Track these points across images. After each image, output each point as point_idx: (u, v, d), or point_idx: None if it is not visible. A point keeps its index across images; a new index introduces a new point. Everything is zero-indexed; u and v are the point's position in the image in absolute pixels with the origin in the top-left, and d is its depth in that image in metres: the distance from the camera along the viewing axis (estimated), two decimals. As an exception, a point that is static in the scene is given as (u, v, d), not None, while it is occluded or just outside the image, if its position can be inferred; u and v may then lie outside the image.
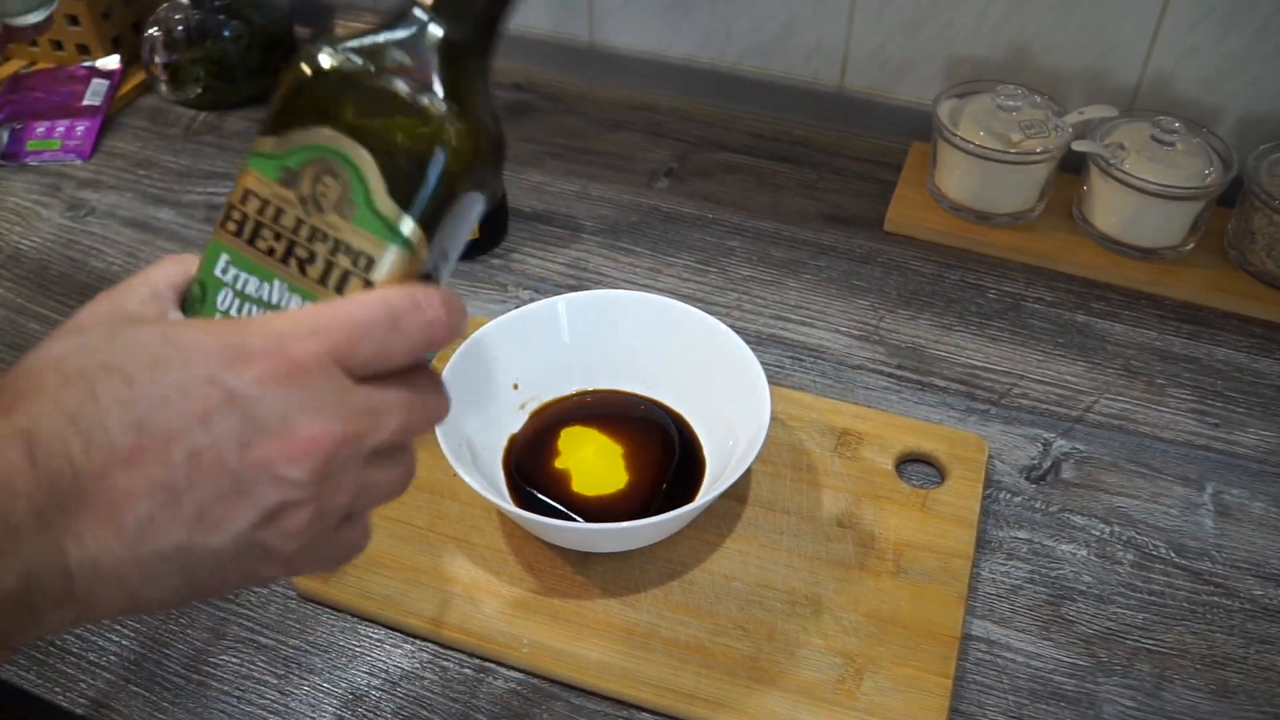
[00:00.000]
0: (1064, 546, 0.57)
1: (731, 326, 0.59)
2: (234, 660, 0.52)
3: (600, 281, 0.75)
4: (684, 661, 0.50)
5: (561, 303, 0.61)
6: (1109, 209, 0.75)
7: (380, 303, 0.33)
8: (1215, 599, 0.55)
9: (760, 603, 0.53)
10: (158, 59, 0.91)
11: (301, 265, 0.35)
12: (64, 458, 0.28)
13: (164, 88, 0.93)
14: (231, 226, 0.36)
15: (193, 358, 0.30)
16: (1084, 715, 0.50)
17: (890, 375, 0.67)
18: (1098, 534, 0.58)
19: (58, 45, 0.96)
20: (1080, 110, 0.77)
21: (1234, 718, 0.50)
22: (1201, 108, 0.80)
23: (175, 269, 0.36)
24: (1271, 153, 0.74)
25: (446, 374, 0.56)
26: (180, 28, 0.90)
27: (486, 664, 0.52)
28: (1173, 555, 0.57)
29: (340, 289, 0.35)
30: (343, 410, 0.32)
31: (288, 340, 0.31)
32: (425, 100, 0.35)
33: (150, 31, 0.91)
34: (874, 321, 0.72)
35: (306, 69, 0.35)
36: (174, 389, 0.30)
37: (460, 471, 0.51)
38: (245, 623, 0.53)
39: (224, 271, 0.36)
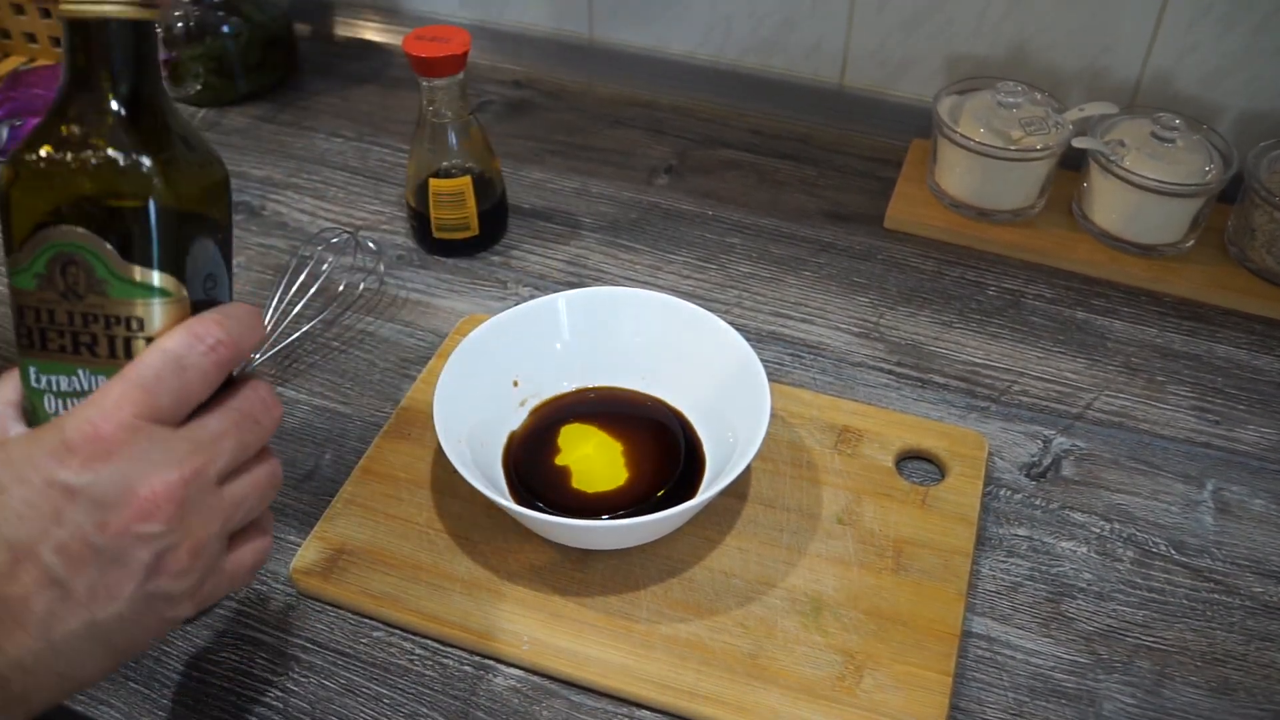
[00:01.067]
0: (1064, 544, 0.57)
1: (731, 323, 0.59)
2: (234, 657, 0.52)
3: (600, 278, 0.75)
4: (684, 659, 0.50)
5: (561, 300, 0.61)
6: (1109, 206, 0.75)
7: (158, 352, 0.36)
8: (1215, 596, 0.55)
9: (760, 600, 0.53)
10: (157, 56, 0.91)
11: (91, 349, 0.38)
12: None
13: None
14: (25, 342, 0.38)
15: (25, 471, 0.34)
16: (1084, 712, 0.50)
17: (890, 372, 0.67)
18: (1098, 531, 0.58)
19: (58, 42, 0.96)
20: (1080, 107, 0.77)
21: (1234, 715, 0.50)
22: (1201, 104, 0.80)
23: (8, 387, 0.40)
24: (1271, 149, 0.74)
25: (446, 372, 0.56)
26: (180, 24, 0.90)
27: (486, 661, 0.52)
28: (1173, 552, 0.57)
29: (129, 354, 0.37)
30: (172, 457, 0.35)
31: (96, 421, 0.34)
32: (112, 162, 0.37)
33: (149, 28, 0.90)
34: (874, 318, 0.72)
35: (2, 183, 0.37)
36: (21, 503, 0.34)
37: (460, 469, 0.51)
38: (245, 620, 0.53)
39: (37, 381, 0.39)
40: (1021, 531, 0.58)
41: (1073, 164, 0.78)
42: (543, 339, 0.61)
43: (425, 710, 0.50)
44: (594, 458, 0.58)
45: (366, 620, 0.53)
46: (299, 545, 0.55)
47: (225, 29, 0.90)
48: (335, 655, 0.52)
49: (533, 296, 0.66)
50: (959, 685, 0.51)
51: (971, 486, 0.58)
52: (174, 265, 0.38)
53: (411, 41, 0.68)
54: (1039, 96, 0.78)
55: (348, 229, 0.78)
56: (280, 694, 0.50)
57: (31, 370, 0.39)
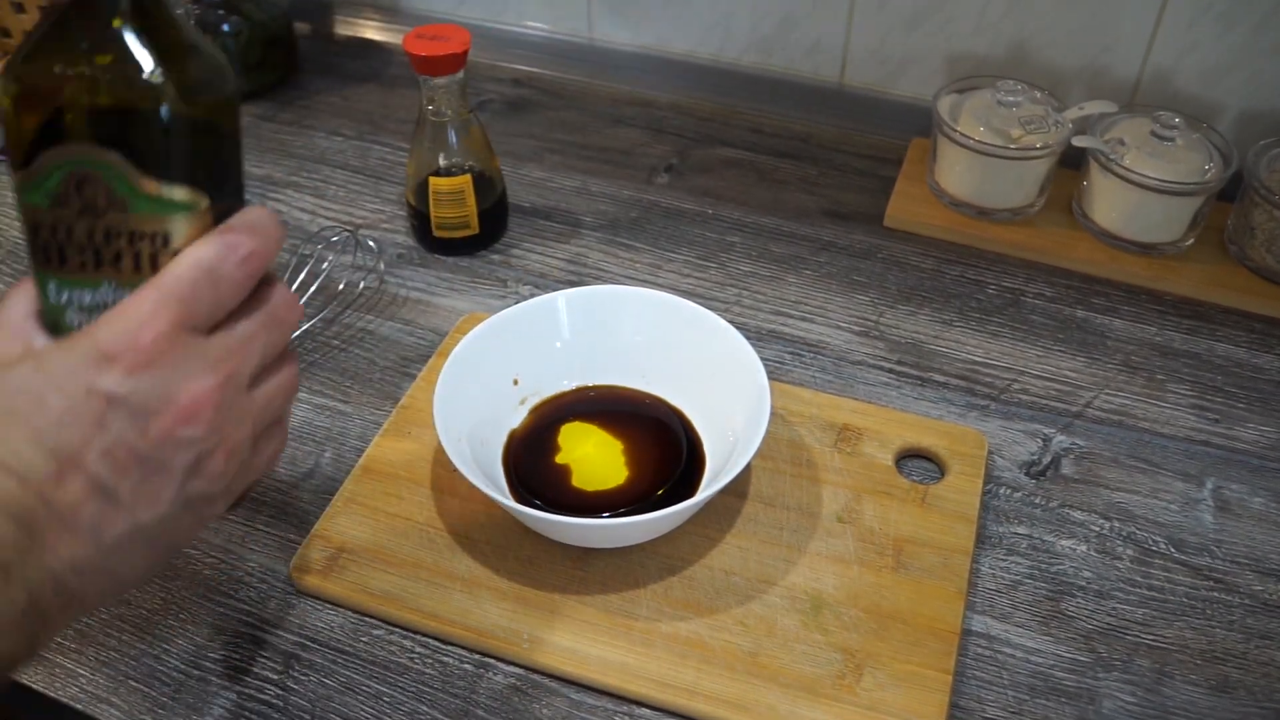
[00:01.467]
0: (1064, 542, 0.57)
1: (732, 322, 0.59)
2: (234, 656, 0.52)
3: (600, 277, 0.75)
4: (684, 657, 0.50)
5: (561, 298, 0.61)
6: (1109, 204, 0.75)
7: (193, 264, 0.36)
8: (1215, 594, 0.55)
9: (760, 598, 0.53)
10: (157, 55, 0.91)
11: (115, 264, 0.37)
12: (10, 497, 0.33)
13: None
14: (41, 259, 0.37)
15: (64, 381, 0.34)
16: (1084, 711, 0.50)
17: (890, 371, 0.67)
18: (1097, 529, 0.58)
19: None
20: (1080, 106, 0.77)
21: (1233, 713, 0.50)
22: (1201, 103, 0.80)
23: (24, 299, 0.38)
24: (1271, 148, 0.74)
25: (446, 371, 0.56)
26: (179, 23, 0.90)
27: (486, 659, 0.52)
28: (1172, 550, 0.57)
29: (155, 268, 0.36)
30: (208, 363, 0.36)
31: (135, 331, 0.35)
32: (127, 72, 0.35)
33: (149, 27, 0.90)
34: (874, 317, 0.72)
35: (5, 99, 0.36)
36: (64, 411, 0.34)
37: (460, 467, 0.51)
38: (245, 618, 0.53)
39: (58, 296, 0.38)
40: (1021, 530, 0.58)
41: (1072, 163, 0.78)
42: (543, 337, 0.61)
43: (425, 708, 0.50)
44: (594, 456, 0.58)
45: (366, 618, 0.53)
46: (299, 544, 0.55)
47: (225, 28, 0.90)
48: (335, 653, 0.52)
49: (533, 295, 0.66)
50: (959, 683, 0.51)
51: (971, 485, 0.58)
52: (195, 177, 0.37)
53: (412, 40, 0.68)
54: (1039, 95, 0.78)
55: (348, 228, 0.78)
56: (280, 692, 0.50)
57: (51, 285, 0.37)
